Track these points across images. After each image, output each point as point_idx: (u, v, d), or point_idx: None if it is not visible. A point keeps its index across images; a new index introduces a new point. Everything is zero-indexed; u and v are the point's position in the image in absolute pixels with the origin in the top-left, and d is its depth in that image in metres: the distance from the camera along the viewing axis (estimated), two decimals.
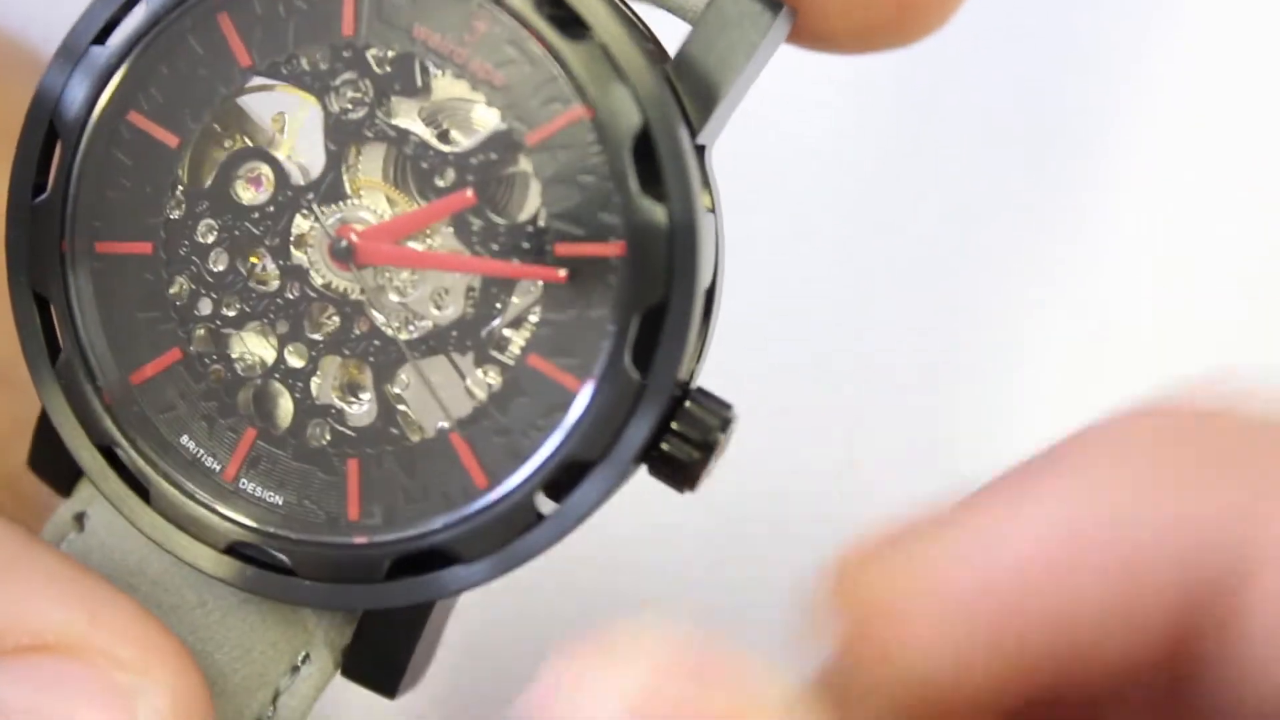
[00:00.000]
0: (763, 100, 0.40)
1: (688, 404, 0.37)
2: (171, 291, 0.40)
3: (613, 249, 0.37)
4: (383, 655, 0.40)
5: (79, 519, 0.41)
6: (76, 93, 0.39)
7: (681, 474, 0.37)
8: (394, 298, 0.38)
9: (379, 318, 0.39)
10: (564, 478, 0.37)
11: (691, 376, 0.38)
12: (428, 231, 0.38)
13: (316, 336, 0.39)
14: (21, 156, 0.40)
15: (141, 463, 0.39)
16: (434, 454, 0.38)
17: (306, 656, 0.40)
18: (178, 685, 0.37)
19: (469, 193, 0.38)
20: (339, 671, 0.40)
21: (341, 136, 0.39)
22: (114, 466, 0.40)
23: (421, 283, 0.38)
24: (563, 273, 0.37)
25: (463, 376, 0.38)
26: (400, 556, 0.38)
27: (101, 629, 0.37)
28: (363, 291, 0.39)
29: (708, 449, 0.37)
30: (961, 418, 0.56)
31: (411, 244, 0.38)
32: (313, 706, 0.40)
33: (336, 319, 0.39)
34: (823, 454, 0.56)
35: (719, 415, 0.37)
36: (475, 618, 0.44)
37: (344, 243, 0.38)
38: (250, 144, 0.39)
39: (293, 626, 0.40)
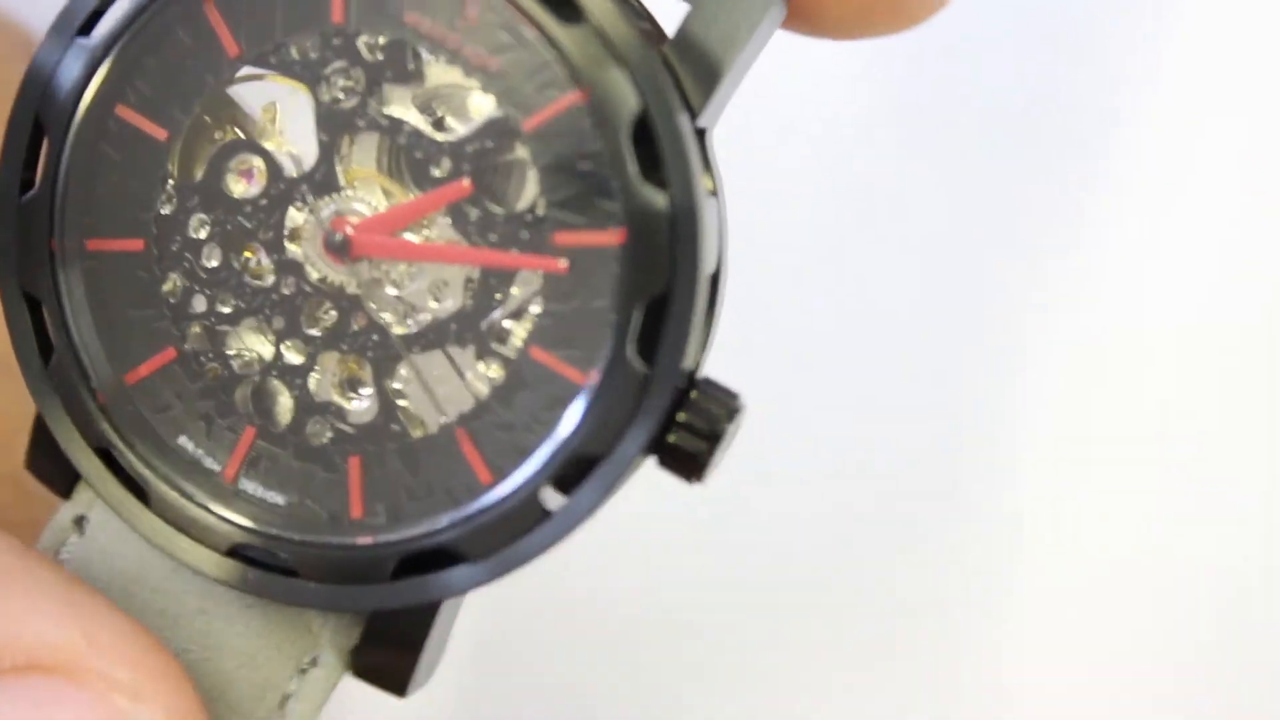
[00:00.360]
0: (764, 92, 0.39)
1: (694, 394, 0.36)
2: (165, 289, 0.39)
3: (613, 237, 0.36)
4: (392, 654, 0.39)
5: (79, 522, 0.40)
6: (62, 86, 0.38)
7: (689, 466, 0.37)
8: (391, 291, 0.38)
9: (376, 312, 0.38)
10: (570, 472, 0.36)
11: (697, 366, 0.37)
12: (424, 222, 0.37)
13: (314, 332, 0.38)
14: (7, 153, 0.39)
15: (139, 465, 0.39)
16: (437, 450, 0.37)
17: (314, 659, 0.39)
18: (174, 708, 0.36)
19: (465, 182, 0.37)
20: (348, 672, 0.39)
21: (334, 127, 0.38)
22: (111, 469, 0.39)
23: (419, 275, 0.37)
24: (563, 263, 0.36)
25: (463, 371, 0.37)
26: (405, 556, 0.37)
27: (99, 649, 0.36)
28: (359, 285, 0.38)
29: (715, 439, 0.36)
30: (963, 414, 0.56)
31: (408, 235, 0.37)
32: (322, 710, 0.39)
33: (334, 314, 0.38)
34: (822, 448, 0.56)
35: (726, 405, 0.36)
36: (484, 614, 0.43)
37: (338, 236, 0.37)
38: (241, 136, 0.38)
39: (298, 629, 0.39)
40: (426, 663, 0.39)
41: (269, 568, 0.38)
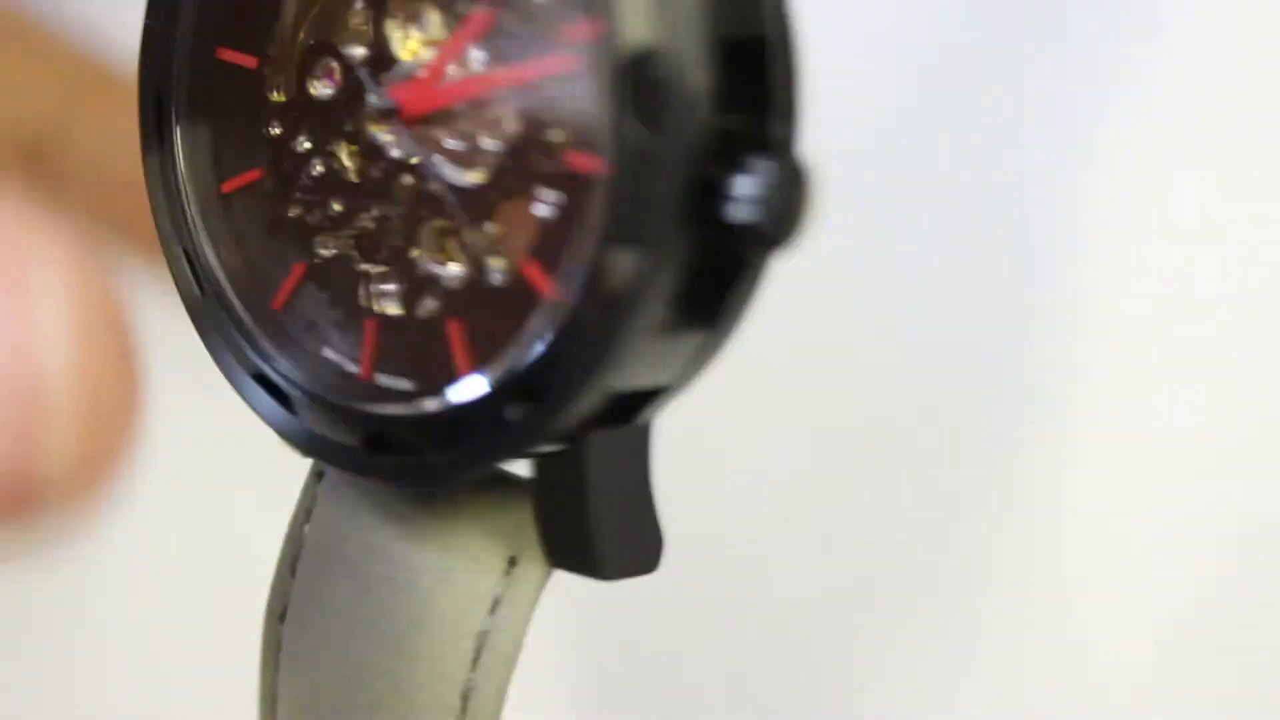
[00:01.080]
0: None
1: None
2: (287, 209, 0.39)
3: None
4: (571, 531, 0.37)
5: None
6: (163, 45, 0.39)
7: None
8: (453, 144, 0.36)
9: (444, 168, 0.36)
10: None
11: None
12: (459, 64, 0.36)
13: (402, 209, 0.37)
14: (144, 126, 0.40)
15: (287, 384, 0.38)
16: (513, 287, 0.36)
17: (514, 559, 0.38)
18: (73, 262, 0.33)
19: (484, 10, 0.35)
20: (549, 565, 0.38)
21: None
22: (267, 389, 0.39)
23: (467, 118, 0.36)
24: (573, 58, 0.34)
25: (533, 202, 0.35)
26: (509, 396, 0.35)
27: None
28: (424, 147, 0.37)
29: None
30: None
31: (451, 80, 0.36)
32: (534, 610, 0.38)
33: (413, 183, 0.37)
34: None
35: None
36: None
37: (390, 103, 0.37)
38: (316, 39, 0.38)
39: (493, 535, 0.38)
40: (616, 532, 0.37)
41: (406, 453, 0.37)
